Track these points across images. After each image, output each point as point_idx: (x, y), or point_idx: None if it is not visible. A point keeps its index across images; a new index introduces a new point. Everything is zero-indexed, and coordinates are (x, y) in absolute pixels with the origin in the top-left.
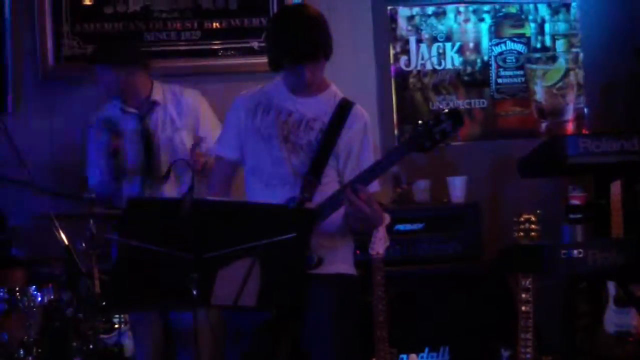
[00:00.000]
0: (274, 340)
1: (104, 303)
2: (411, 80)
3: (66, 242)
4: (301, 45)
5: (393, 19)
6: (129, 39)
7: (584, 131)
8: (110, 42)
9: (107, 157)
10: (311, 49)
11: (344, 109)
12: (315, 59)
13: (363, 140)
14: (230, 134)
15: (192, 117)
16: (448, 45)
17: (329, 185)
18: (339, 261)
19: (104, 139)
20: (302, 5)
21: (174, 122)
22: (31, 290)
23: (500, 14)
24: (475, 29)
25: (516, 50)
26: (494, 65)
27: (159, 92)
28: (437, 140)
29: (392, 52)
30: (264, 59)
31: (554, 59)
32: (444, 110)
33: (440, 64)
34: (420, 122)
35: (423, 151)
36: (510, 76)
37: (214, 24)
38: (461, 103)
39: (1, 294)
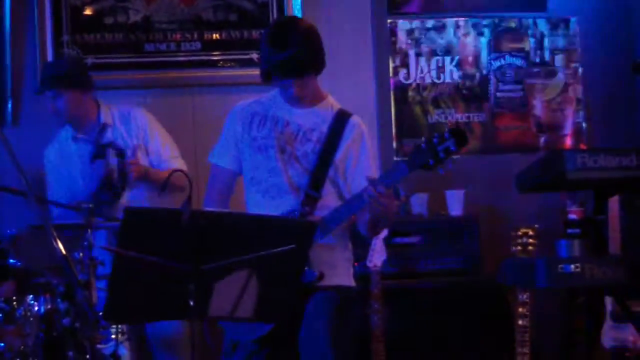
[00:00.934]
0: (272, 353)
1: (100, 313)
2: (410, 93)
3: (63, 251)
4: (287, 61)
5: (393, 32)
6: (70, 60)
7: (582, 146)
8: (52, 66)
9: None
10: (297, 65)
11: (341, 119)
12: (302, 75)
13: (361, 151)
14: (226, 144)
15: (140, 135)
16: (447, 58)
17: (329, 197)
18: (339, 274)
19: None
20: (294, 19)
21: (125, 142)
22: (28, 300)
23: (500, 28)
24: (474, 43)
25: (515, 64)
26: (493, 79)
27: (107, 114)
28: (441, 159)
29: (391, 65)
30: None
31: (552, 73)
32: (447, 127)
33: (439, 78)
34: (424, 139)
35: (427, 169)
36: (509, 90)
37: (214, 36)
38: (460, 117)
39: None
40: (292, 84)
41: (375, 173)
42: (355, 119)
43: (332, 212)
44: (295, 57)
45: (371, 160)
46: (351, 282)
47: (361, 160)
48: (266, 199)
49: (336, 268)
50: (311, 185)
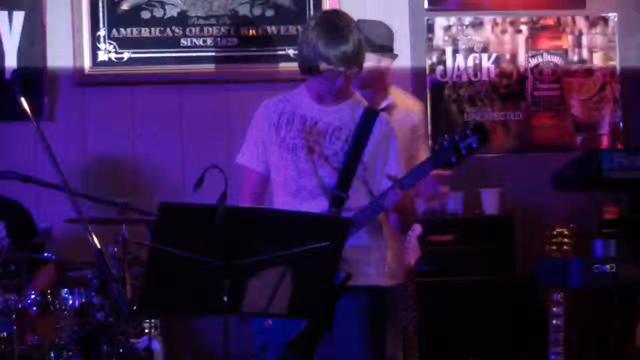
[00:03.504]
0: (302, 358)
1: (134, 308)
2: (446, 91)
3: (98, 246)
4: (347, 51)
5: (430, 29)
6: None
7: (619, 145)
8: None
9: None
10: (355, 56)
11: (369, 117)
12: (356, 66)
13: (389, 149)
14: (254, 145)
15: None
16: (484, 56)
17: (357, 198)
18: (372, 273)
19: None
20: (341, 12)
21: None
22: (63, 293)
23: (538, 25)
24: (512, 40)
25: (553, 62)
26: (530, 78)
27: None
28: (464, 156)
29: (428, 62)
30: None
31: (590, 72)
32: (469, 125)
33: (476, 76)
34: (446, 137)
35: (449, 166)
36: (546, 89)
37: (251, 31)
38: (496, 115)
39: (33, 296)
40: (341, 74)
41: (401, 172)
42: (384, 116)
43: (358, 213)
44: (353, 47)
45: (399, 159)
46: (384, 282)
47: (389, 159)
48: (297, 201)
49: (369, 268)
50: (339, 186)
